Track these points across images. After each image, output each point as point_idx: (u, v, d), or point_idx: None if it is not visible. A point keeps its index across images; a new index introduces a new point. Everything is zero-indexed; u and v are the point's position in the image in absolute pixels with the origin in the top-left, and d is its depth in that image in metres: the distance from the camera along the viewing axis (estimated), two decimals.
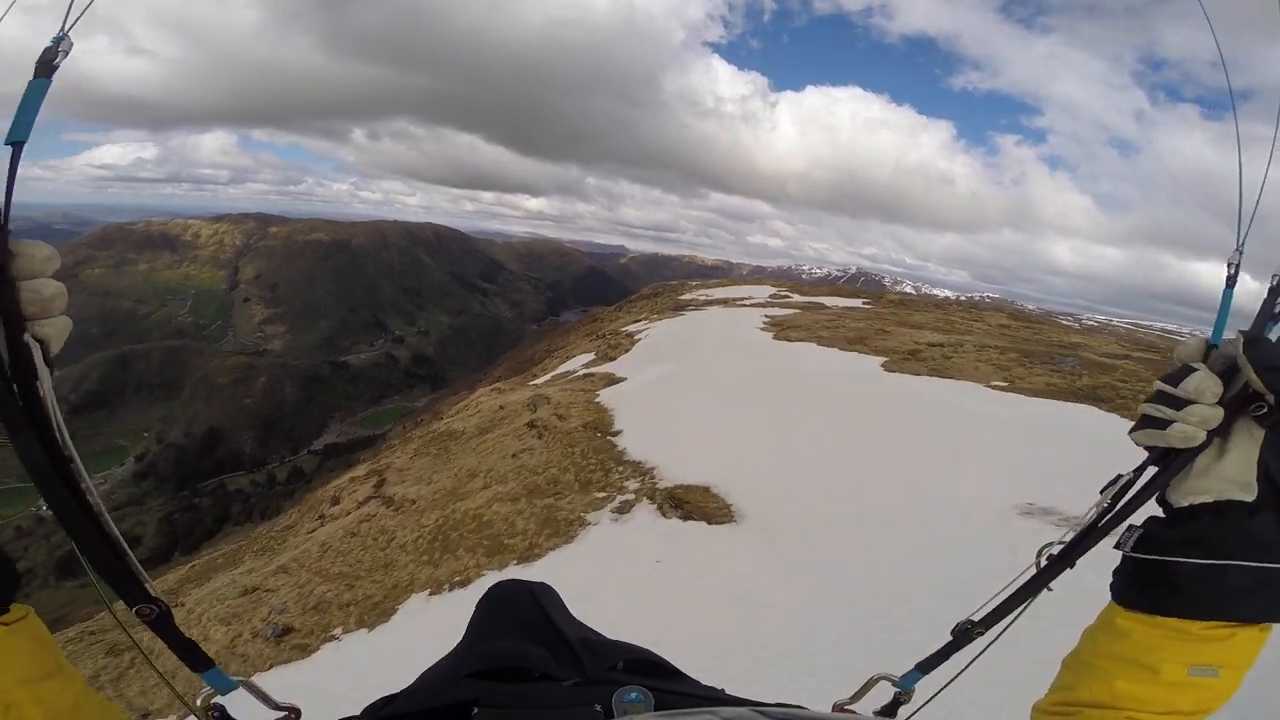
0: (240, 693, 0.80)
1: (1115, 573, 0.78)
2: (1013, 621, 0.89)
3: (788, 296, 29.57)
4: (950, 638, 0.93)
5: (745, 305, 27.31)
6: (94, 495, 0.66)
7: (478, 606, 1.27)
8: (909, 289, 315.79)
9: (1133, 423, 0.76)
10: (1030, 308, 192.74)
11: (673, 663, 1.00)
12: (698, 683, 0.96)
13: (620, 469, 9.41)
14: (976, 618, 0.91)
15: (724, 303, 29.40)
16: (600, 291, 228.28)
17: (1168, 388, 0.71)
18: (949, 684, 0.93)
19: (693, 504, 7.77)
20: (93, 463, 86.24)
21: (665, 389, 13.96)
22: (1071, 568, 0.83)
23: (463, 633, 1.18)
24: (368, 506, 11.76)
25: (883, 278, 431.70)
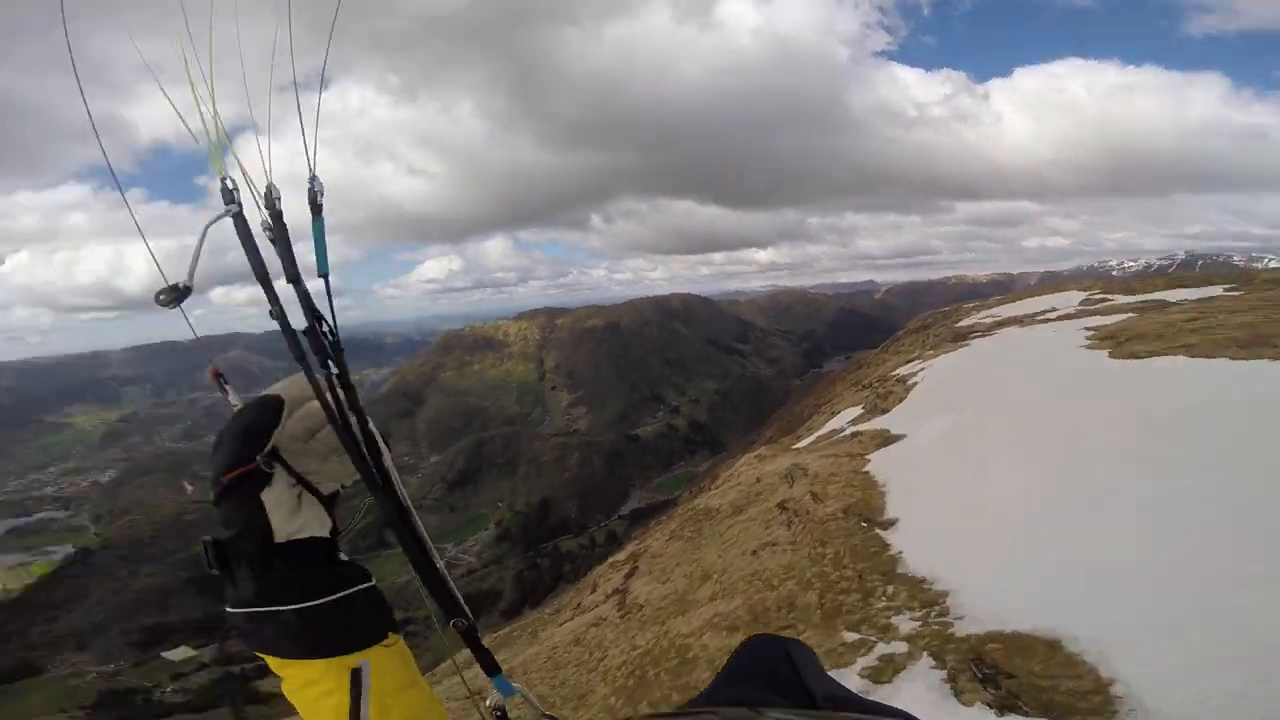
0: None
1: None
2: None
3: (1107, 299, 23.44)
4: None
5: (1050, 319, 21.44)
6: (426, 537, 0.94)
7: (730, 657, 1.30)
8: (1274, 263, 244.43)
9: None
10: None
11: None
12: None
13: (889, 590, 6.41)
14: None
15: (1019, 321, 23.78)
16: (859, 334, 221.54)
17: None
18: None
19: (1023, 679, 4.25)
20: (466, 530, 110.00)
21: (957, 448, 10.65)
22: None
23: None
24: (606, 605, 11.75)
25: (1230, 256, 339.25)
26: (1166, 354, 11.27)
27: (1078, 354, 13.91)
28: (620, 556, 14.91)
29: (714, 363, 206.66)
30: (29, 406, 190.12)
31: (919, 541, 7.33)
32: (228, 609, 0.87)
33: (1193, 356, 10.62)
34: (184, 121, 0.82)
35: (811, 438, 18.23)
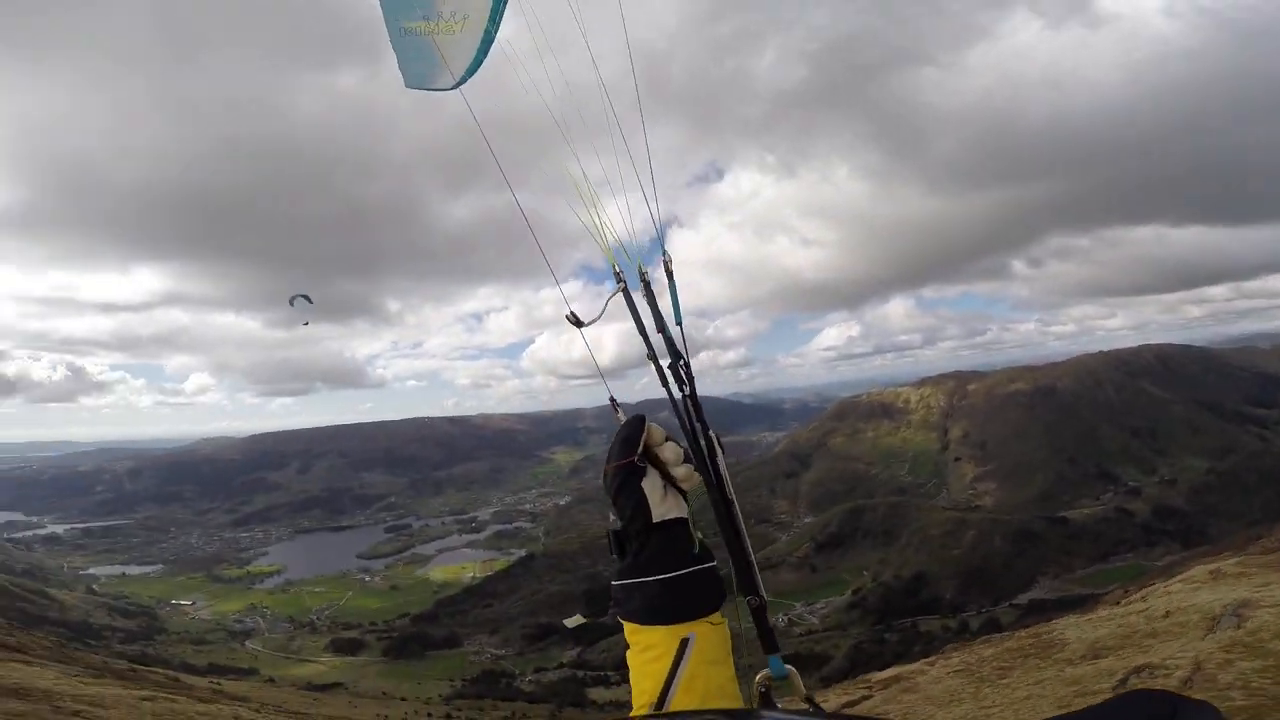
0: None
1: None
2: None
3: None
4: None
5: None
6: (742, 525, 1.19)
7: (1102, 703, 1.09)
8: None
9: None
10: None
11: None
12: None
13: None
14: None
15: None
16: None
17: None
18: None
19: None
20: (820, 592, 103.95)
21: None
22: None
23: None
24: None
25: None
26: None
27: None
28: (884, 675, 10.76)
29: (1210, 434, 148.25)
30: (532, 445, 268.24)
31: None
32: (613, 583, 1.17)
33: None
34: (591, 232, 1.44)
35: None
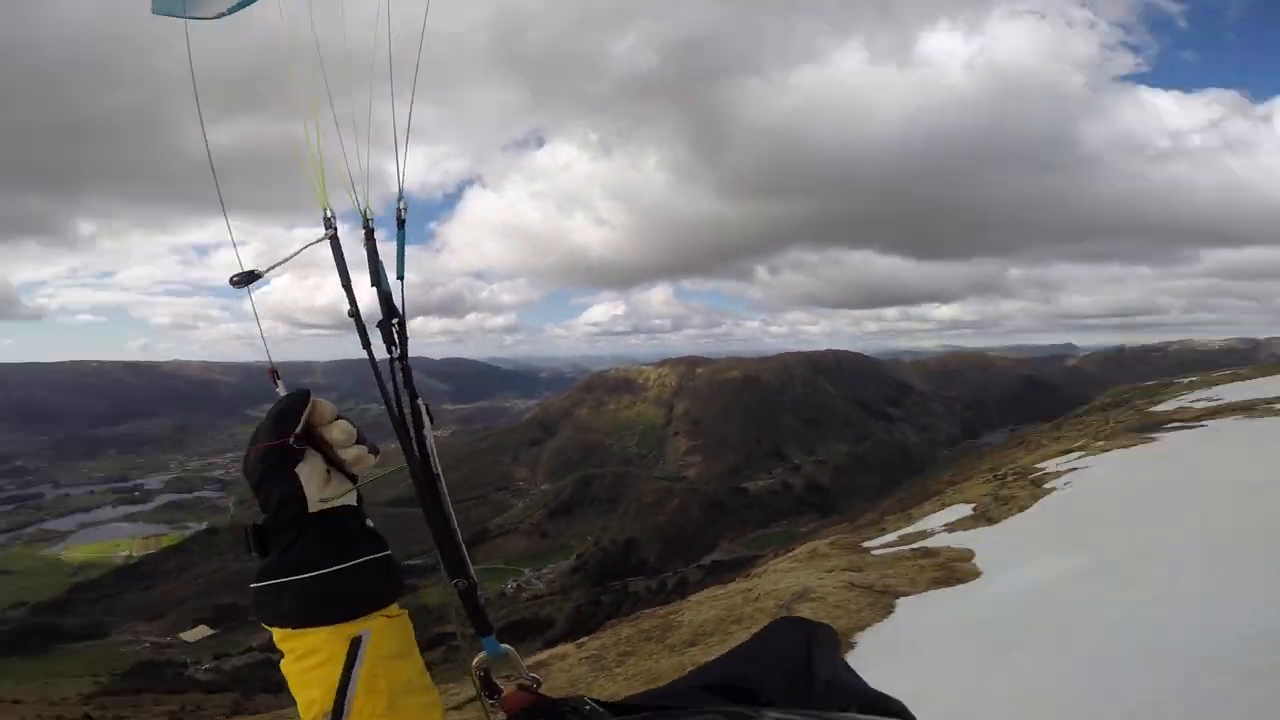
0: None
1: None
2: None
3: None
4: None
5: None
6: (448, 503, 1.06)
7: (755, 634, 1.31)
8: None
9: None
10: None
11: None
12: None
13: None
14: None
15: (1246, 409, 17.09)
16: (1036, 404, 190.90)
17: None
18: None
19: None
20: (548, 557, 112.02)
21: (1049, 627, 5.78)
22: None
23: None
24: None
25: None
26: None
27: None
28: (536, 659, 10.30)
29: (855, 425, 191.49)
30: (239, 400, 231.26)
31: None
32: (252, 585, 0.94)
33: None
34: (307, 165, 1.04)
35: (889, 537, 14.30)
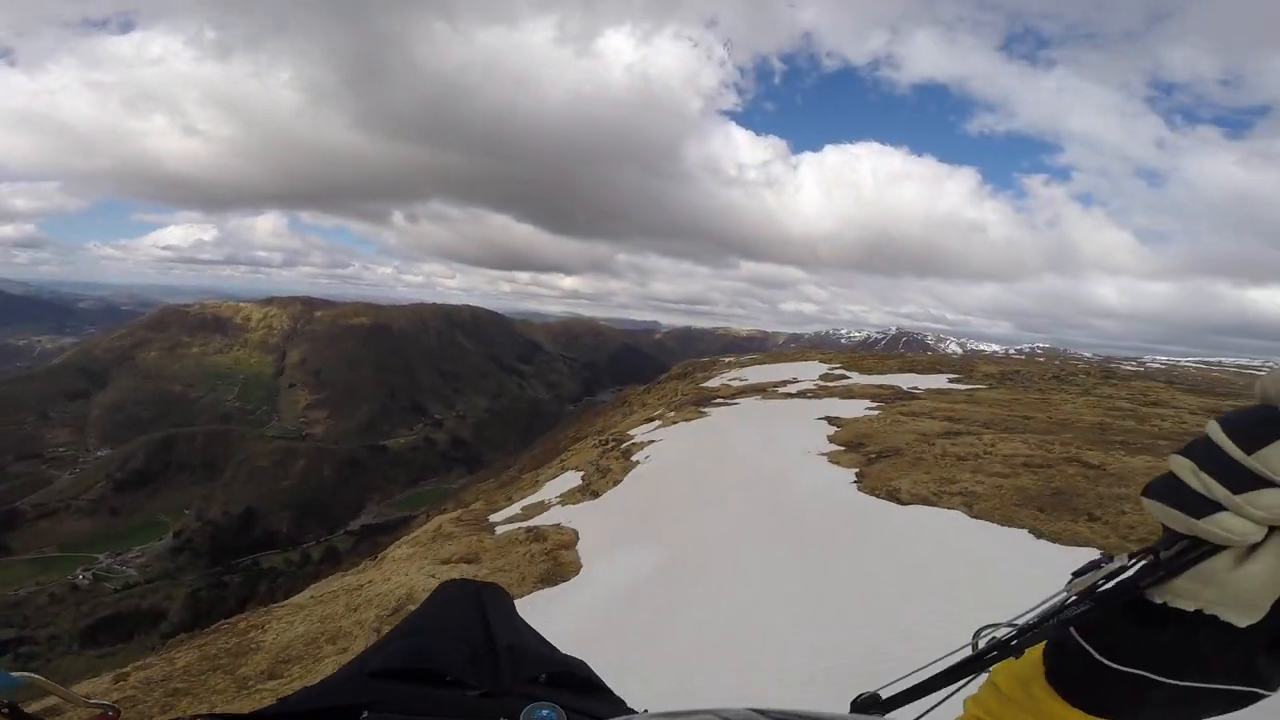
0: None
1: (1051, 636, 0.65)
2: (937, 705, 0.76)
3: (845, 376, 21.14)
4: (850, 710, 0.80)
5: (790, 394, 18.55)
6: None
7: (422, 604, 1.19)
8: (954, 347, 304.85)
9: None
10: (1086, 355, 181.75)
11: (603, 680, 0.96)
12: (622, 703, 0.90)
13: None
14: (884, 694, 0.79)
15: (762, 391, 20.28)
16: (635, 369, 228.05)
17: (1233, 449, 0.51)
18: None
19: None
20: (131, 538, 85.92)
21: (635, 640, 5.34)
22: (1016, 657, 0.68)
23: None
24: None
25: (925, 336, 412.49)
26: (939, 500, 7.25)
27: (818, 467, 9.93)
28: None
29: (492, 380, 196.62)
30: None
31: None
32: None
33: (975, 516, 6.55)
34: None
35: (518, 506, 13.52)
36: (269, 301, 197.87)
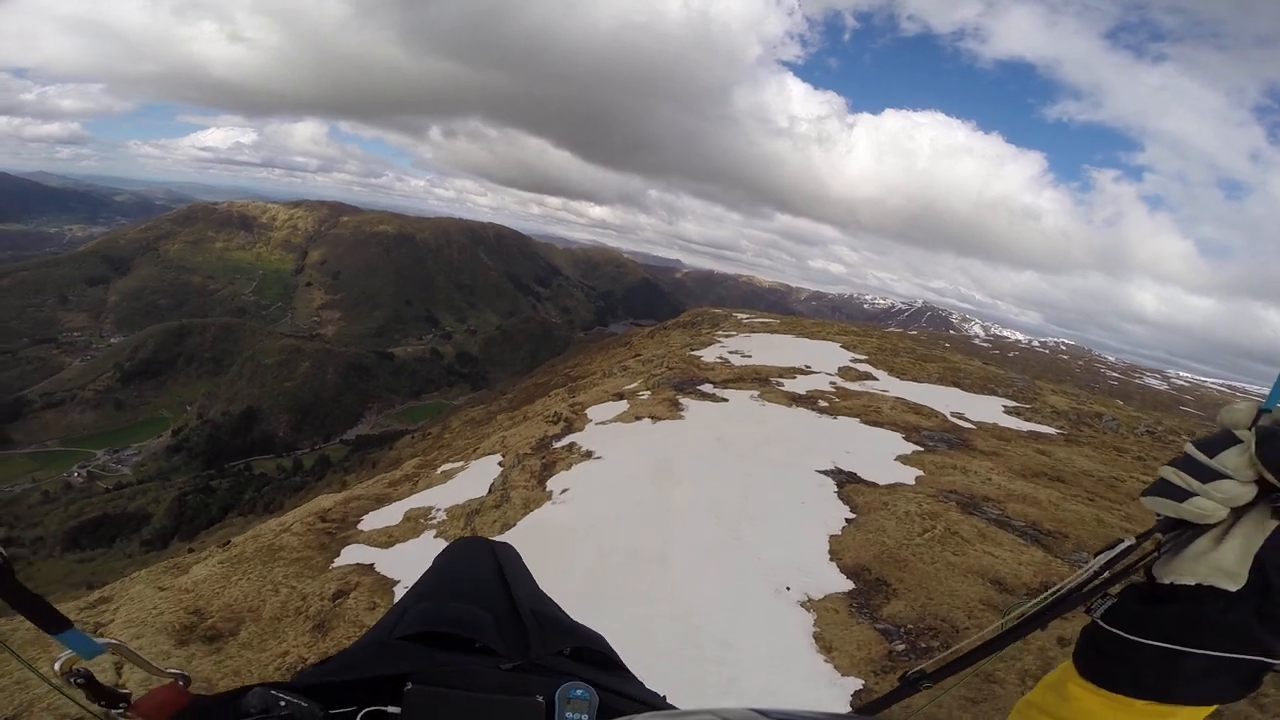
0: None
1: (1081, 635, 0.77)
2: (966, 676, 0.87)
3: (871, 377, 16.23)
4: (899, 684, 0.93)
5: (797, 394, 13.56)
6: None
7: (434, 562, 1.19)
8: (977, 329, 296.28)
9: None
10: (1110, 358, 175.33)
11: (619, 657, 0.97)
12: (642, 685, 0.92)
13: None
14: (929, 669, 0.91)
15: (763, 381, 15.17)
16: (651, 305, 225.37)
17: (1200, 456, 0.68)
18: None
19: None
20: (132, 433, 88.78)
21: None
22: (1043, 629, 0.82)
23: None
24: None
25: (949, 314, 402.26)
26: None
27: (784, 640, 4.72)
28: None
29: (507, 298, 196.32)
30: None
31: None
32: None
33: None
34: None
35: (400, 509, 9.70)
36: (298, 204, 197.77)
